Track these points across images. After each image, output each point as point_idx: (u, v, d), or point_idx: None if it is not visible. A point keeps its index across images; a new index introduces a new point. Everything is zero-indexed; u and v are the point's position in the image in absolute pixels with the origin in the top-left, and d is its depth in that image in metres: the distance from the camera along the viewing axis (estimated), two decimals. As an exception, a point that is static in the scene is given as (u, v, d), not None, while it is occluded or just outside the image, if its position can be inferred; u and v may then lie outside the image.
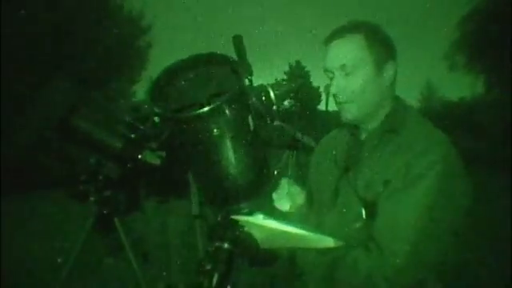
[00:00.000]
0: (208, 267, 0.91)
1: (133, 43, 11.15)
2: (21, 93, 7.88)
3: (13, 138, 6.92)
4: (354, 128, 1.20)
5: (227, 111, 0.80)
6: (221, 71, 0.89)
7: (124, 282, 2.40)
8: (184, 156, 0.93)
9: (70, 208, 2.48)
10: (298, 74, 29.16)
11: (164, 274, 2.30)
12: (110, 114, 2.31)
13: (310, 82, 26.31)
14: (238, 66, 0.86)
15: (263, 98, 0.90)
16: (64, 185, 2.45)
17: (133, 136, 2.14)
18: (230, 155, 0.87)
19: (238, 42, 0.91)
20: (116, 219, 2.21)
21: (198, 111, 0.77)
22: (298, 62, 29.80)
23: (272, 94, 0.92)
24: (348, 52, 1.08)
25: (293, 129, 3.87)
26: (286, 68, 30.11)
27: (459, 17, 15.39)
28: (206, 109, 0.77)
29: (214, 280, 0.89)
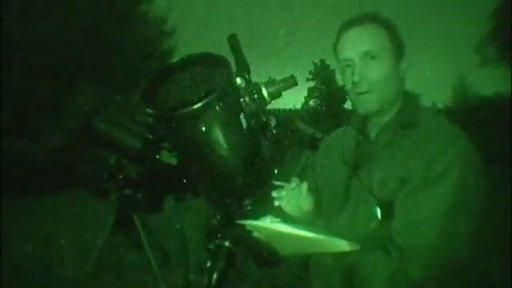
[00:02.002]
0: (208, 265, 0.90)
1: (157, 47, 11.40)
2: (49, 97, 8.25)
3: (40, 139, 7.24)
4: (361, 125, 1.16)
5: (218, 109, 0.81)
6: (213, 71, 0.90)
7: (145, 280, 2.46)
8: (180, 156, 0.94)
9: (95, 206, 2.57)
10: (322, 73, 28.83)
11: (181, 271, 2.35)
12: (130, 116, 2.39)
13: (335, 82, 25.92)
14: (228, 65, 0.87)
15: (255, 96, 0.90)
16: (88, 184, 2.55)
17: (151, 137, 2.20)
18: (223, 153, 0.87)
19: (233, 41, 0.92)
20: (135, 217, 2.28)
21: (187, 109, 0.78)
22: (322, 61, 29.44)
23: (265, 92, 0.91)
24: (372, 38, 1.04)
25: (312, 128, 3.82)
26: (311, 67, 29.85)
27: (490, 8, 14.78)
28: (195, 106, 0.77)
29: (214, 278, 0.89)
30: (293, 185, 1.07)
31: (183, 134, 0.84)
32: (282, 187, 1.05)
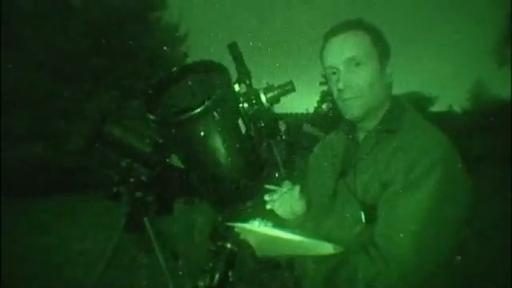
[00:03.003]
0: (210, 266, 0.93)
1: (169, 53, 11.54)
2: (67, 102, 8.46)
3: (59, 144, 7.42)
4: (351, 129, 1.17)
5: (216, 114, 0.83)
6: (212, 78, 0.92)
7: (155, 280, 2.50)
8: (181, 160, 0.96)
9: (107, 209, 2.64)
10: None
11: (190, 272, 2.39)
12: (142, 120, 2.45)
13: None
14: (226, 72, 0.89)
15: (254, 101, 0.92)
16: (101, 187, 2.62)
17: (160, 141, 2.26)
18: (221, 157, 0.88)
19: (233, 49, 0.95)
20: (146, 219, 2.34)
21: (185, 115, 0.81)
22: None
23: (263, 98, 0.93)
24: (355, 45, 1.05)
25: (322, 132, 3.84)
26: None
27: (507, 10, 14.44)
28: (193, 112, 0.80)
29: (216, 279, 0.91)
30: (284, 189, 1.06)
31: (182, 139, 0.87)
32: (274, 191, 1.05)
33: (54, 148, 7.65)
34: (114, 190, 2.34)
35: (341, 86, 1.06)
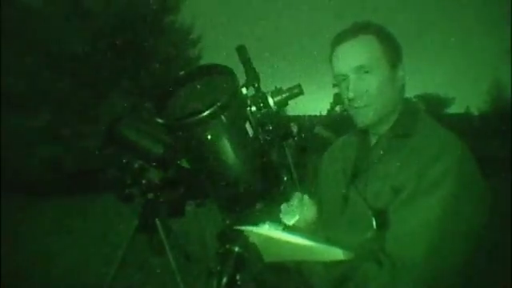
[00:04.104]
0: (218, 269, 0.91)
1: (183, 55, 11.65)
2: (83, 105, 8.63)
3: (74, 145, 7.57)
4: (363, 134, 1.15)
5: (223, 118, 0.82)
6: (220, 81, 0.92)
7: (167, 281, 2.52)
8: (190, 163, 0.96)
9: (120, 209, 2.67)
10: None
11: (201, 274, 2.39)
12: (154, 122, 2.47)
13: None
14: (233, 75, 0.89)
15: (261, 104, 0.91)
16: (114, 188, 2.65)
17: (172, 143, 2.27)
18: (229, 160, 0.88)
19: (242, 52, 0.94)
20: (157, 221, 2.35)
21: (192, 118, 0.81)
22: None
23: (271, 101, 0.92)
24: (364, 52, 1.02)
25: (333, 134, 3.81)
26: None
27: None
28: (199, 116, 0.80)
29: (223, 282, 0.89)
30: (295, 202, 1.02)
31: (191, 143, 0.87)
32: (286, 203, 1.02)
33: (70, 149, 7.81)
34: (126, 191, 2.37)
35: (351, 95, 1.04)
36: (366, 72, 1.03)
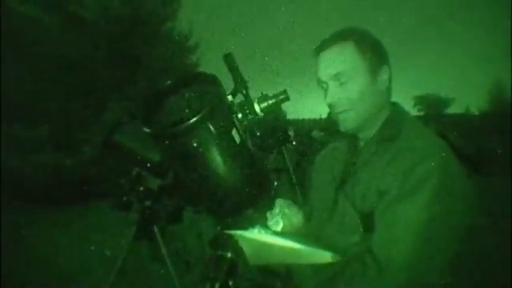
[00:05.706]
0: (211, 275, 0.91)
1: (181, 62, 11.69)
2: (82, 113, 8.67)
3: (73, 154, 7.60)
4: (352, 138, 1.17)
5: (209, 125, 0.83)
6: (205, 89, 0.93)
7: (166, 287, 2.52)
8: (177, 171, 0.97)
9: (119, 216, 2.68)
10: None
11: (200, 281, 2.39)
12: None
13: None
14: (217, 83, 0.90)
15: (247, 111, 0.92)
16: (112, 195, 2.65)
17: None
18: (216, 168, 0.89)
19: (229, 60, 0.95)
20: (156, 228, 2.36)
21: (178, 127, 0.82)
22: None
23: (257, 108, 0.94)
24: (340, 60, 1.06)
25: (331, 138, 3.83)
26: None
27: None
28: (184, 124, 0.81)
29: None
30: (277, 210, 1.05)
31: (177, 151, 0.88)
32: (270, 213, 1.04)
33: (68, 158, 7.84)
34: (124, 198, 2.37)
35: (329, 100, 1.08)
36: (344, 79, 1.06)
